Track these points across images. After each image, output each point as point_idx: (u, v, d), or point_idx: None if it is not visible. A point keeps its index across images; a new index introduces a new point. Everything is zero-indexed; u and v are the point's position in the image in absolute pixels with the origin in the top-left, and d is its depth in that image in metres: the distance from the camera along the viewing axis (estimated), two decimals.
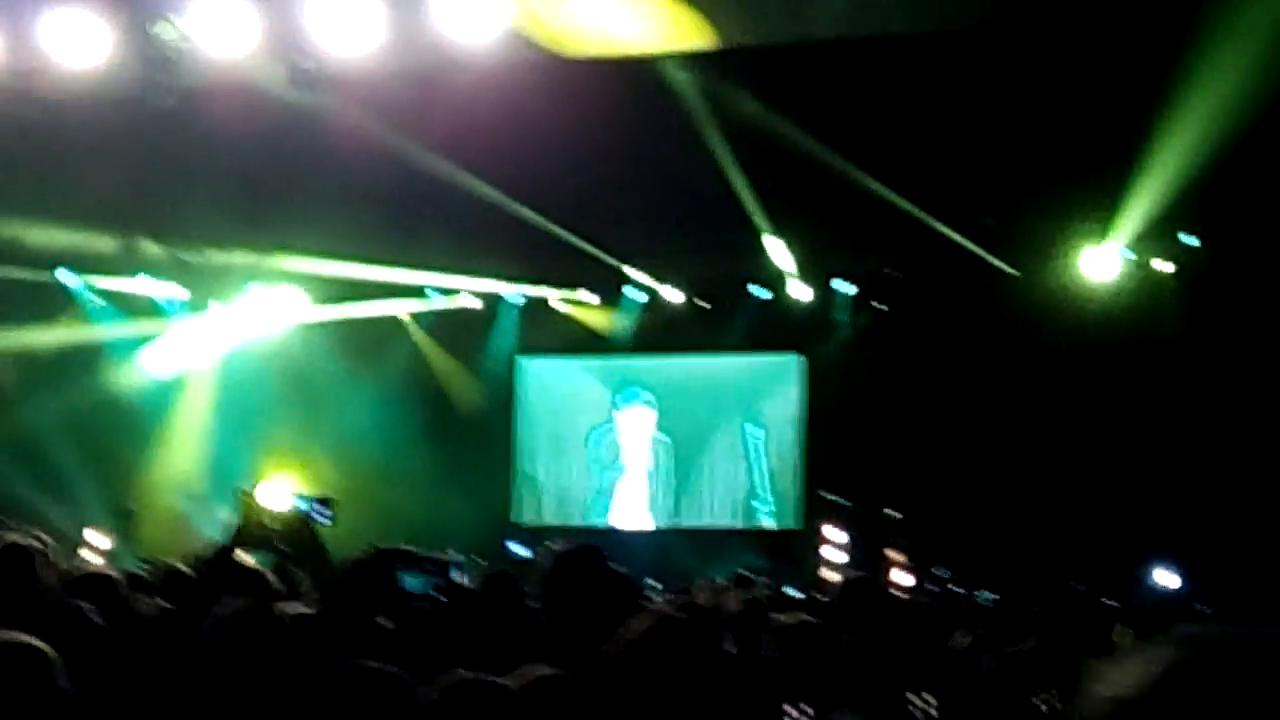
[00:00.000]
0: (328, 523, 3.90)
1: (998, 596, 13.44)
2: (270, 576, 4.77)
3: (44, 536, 4.91)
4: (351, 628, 3.30)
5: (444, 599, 3.55)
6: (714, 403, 20.89)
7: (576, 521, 20.53)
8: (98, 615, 4.20)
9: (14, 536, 4.94)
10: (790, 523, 20.03)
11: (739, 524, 20.45)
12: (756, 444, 20.65)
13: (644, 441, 21.12)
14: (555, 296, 21.08)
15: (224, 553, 4.00)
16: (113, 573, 5.03)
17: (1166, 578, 15.41)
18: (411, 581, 3.44)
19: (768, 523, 20.46)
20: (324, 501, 3.89)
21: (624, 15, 12.33)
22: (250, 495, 3.88)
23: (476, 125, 13.96)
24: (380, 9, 12.00)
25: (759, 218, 17.62)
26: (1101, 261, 17.57)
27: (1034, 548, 15.92)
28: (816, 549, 17.34)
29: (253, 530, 3.83)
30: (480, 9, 11.80)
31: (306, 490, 3.85)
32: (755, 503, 20.61)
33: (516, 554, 16.56)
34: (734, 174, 16.31)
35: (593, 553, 4.79)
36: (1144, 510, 16.38)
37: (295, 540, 3.91)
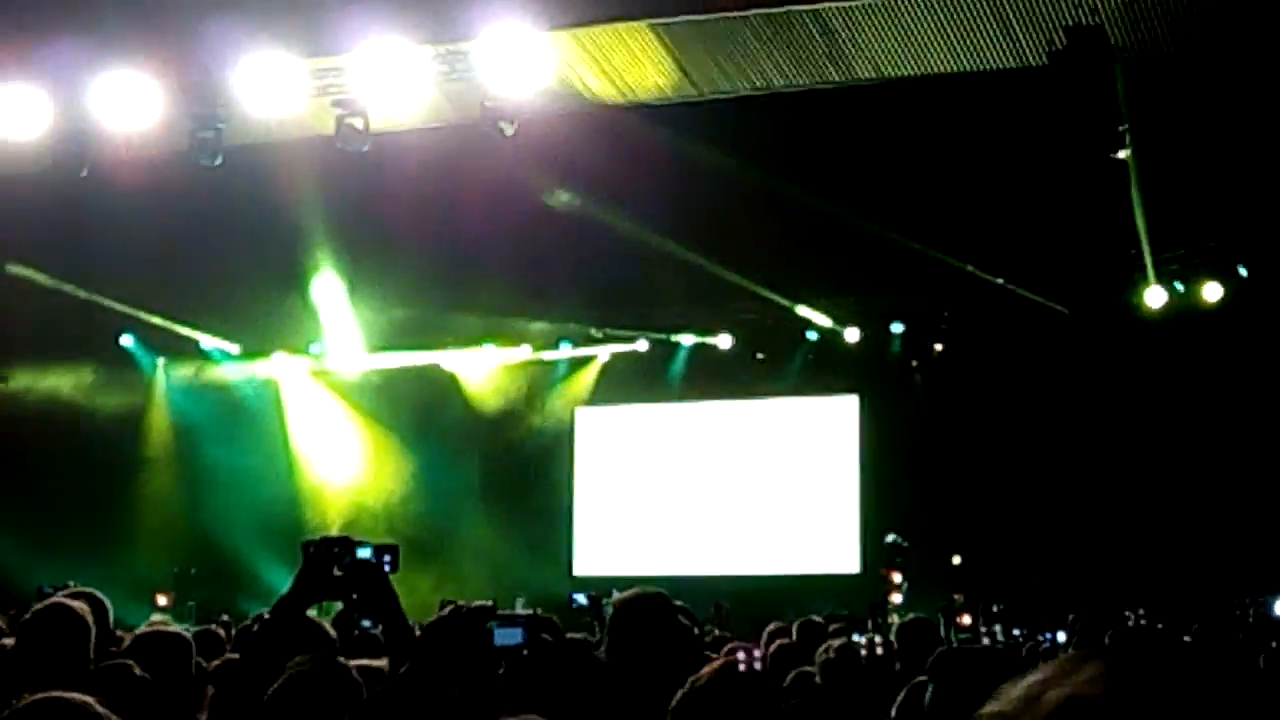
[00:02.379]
0: (389, 570, 3.91)
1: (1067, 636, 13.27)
2: (330, 630, 4.75)
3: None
4: (439, 684, 3.30)
5: (528, 653, 3.56)
6: (772, 446, 20.83)
7: (642, 570, 20.22)
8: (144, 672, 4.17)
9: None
10: (852, 567, 19.87)
11: (802, 570, 20.33)
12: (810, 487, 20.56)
13: (696, 483, 21.04)
14: (607, 351, 21.13)
15: (290, 606, 3.96)
16: (181, 631, 5.05)
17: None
18: (505, 636, 3.43)
19: (827, 567, 20.32)
20: (388, 549, 3.90)
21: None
22: (317, 545, 3.87)
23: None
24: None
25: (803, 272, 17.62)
26: (1146, 295, 17.32)
27: (1092, 584, 15.82)
28: (886, 594, 17.22)
29: (321, 581, 3.82)
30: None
31: (371, 539, 3.87)
32: (815, 547, 20.48)
33: (579, 603, 16.51)
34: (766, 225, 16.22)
35: (658, 600, 4.71)
36: (1198, 544, 16.32)
37: (368, 589, 3.89)
